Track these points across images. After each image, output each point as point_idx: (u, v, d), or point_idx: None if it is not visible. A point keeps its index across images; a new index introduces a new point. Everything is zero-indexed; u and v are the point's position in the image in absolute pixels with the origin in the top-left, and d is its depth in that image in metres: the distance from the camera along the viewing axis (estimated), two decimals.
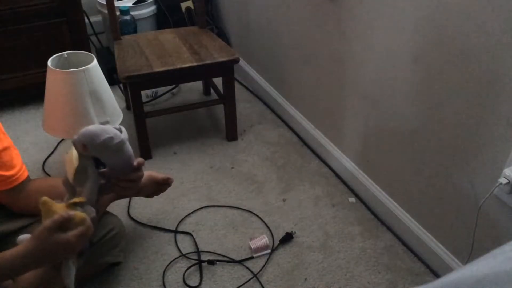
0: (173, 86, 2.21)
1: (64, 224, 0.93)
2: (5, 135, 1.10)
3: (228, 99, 1.83)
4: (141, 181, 1.24)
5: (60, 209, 0.97)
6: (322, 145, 1.79)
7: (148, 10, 2.33)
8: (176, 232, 1.49)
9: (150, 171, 1.35)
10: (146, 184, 1.29)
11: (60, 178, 1.09)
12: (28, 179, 1.16)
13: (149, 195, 1.38)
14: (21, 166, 1.13)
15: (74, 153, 1.06)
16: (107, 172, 1.11)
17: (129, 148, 1.09)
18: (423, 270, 1.37)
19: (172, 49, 1.80)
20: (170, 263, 1.38)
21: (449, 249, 1.31)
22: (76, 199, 1.01)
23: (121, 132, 1.07)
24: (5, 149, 1.08)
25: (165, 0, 2.38)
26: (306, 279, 1.34)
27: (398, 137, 1.39)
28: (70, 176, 1.06)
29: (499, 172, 1.07)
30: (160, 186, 1.36)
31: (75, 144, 1.04)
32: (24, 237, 1.01)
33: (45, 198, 0.96)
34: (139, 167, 1.14)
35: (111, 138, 1.03)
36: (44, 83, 1.45)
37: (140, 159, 1.14)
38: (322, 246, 1.44)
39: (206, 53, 1.76)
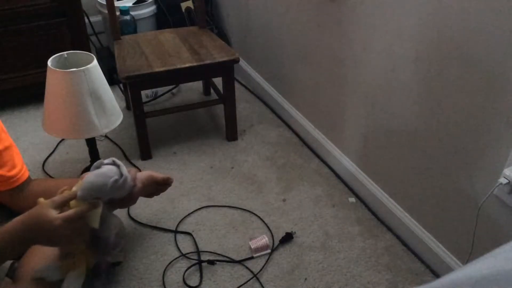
0: (173, 86, 2.21)
1: (60, 206, 0.95)
2: (6, 135, 1.10)
3: (228, 99, 1.83)
4: (141, 182, 1.25)
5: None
6: (322, 145, 1.79)
7: (148, 10, 2.33)
8: (176, 232, 1.49)
9: (150, 171, 1.35)
10: (146, 184, 1.29)
11: (61, 179, 1.10)
12: (29, 179, 1.16)
13: (149, 195, 1.38)
14: (22, 166, 1.13)
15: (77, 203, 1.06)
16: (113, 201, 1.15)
17: (128, 179, 1.13)
18: (423, 270, 1.37)
19: (172, 49, 1.80)
20: (170, 263, 1.38)
21: (449, 249, 1.31)
22: (68, 193, 1.02)
23: (117, 165, 1.10)
24: (6, 148, 1.08)
25: (165, 0, 2.38)
26: (306, 279, 1.34)
27: (398, 137, 1.39)
28: (95, 224, 1.06)
29: (499, 172, 1.07)
30: (160, 186, 1.36)
31: (85, 199, 1.04)
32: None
33: (41, 199, 0.97)
34: (134, 184, 1.18)
35: (116, 180, 1.08)
36: (44, 83, 1.45)
37: (133, 171, 1.19)
38: (322, 246, 1.44)
39: (206, 53, 1.76)
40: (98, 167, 1.12)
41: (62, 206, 0.96)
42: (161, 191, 1.39)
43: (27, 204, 1.15)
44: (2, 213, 1.18)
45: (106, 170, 1.09)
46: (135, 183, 1.21)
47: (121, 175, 1.09)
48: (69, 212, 0.95)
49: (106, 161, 1.13)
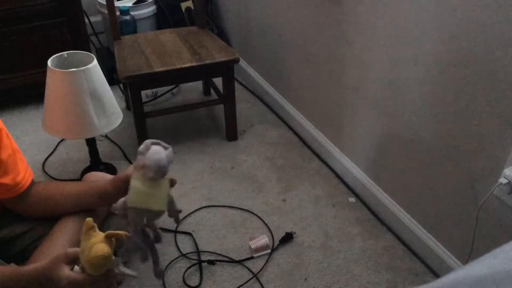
0: (173, 86, 2.21)
1: (74, 259, 0.93)
2: (10, 140, 1.09)
3: (228, 99, 1.83)
4: None
5: (99, 235, 0.94)
6: (322, 145, 1.79)
7: (148, 10, 2.33)
8: (176, 232, 1.49)
9: None
10: None
11: (66, 182, 1.10)
12: (32, 183, 1.15)
13: None
14: (25, 172, 1.12)
15: (143, 186, 1.06)
16: None
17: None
18: (423, 270, 1.37)
19: (172, 49, 1.80)
20: (170, 263, 1.38)
21: (449, 249, 1.31)
22: (120, 233, 0.96)
23: (157, 143, 1.11)
24: (10, 156, 1.07)
25: (165, 0, 2.38)
26: (306, 279, 1.34)
27: (398, 137, 1.39)
28: (160, 205, 1.06)
29: (499, 172, 1.07)
30: None
31: (159, 176, 1.05)
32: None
33: (89, 218, 0.94)
34: None
35: (170, 151, 1.09)
36: (44, 83, 1.45)
37: (172, 177, 1.20)
38: (322, 246, 1.44)
39: (206, 53, 1.76)
40: (148, 148, 1.13)
41: (75, 260, 0.95)
42: None
43: (32, 208, 1.15)
44: (6, 216, 1.18)
45: (157, 148, 1.10)
46: None
47: (167, 147, 1.11)
48: (78, 277, 0.93)
49: (146, 142, 1.13)
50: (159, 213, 1.10)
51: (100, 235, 0.94)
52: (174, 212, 1.16)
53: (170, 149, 1.10)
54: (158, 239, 1.15)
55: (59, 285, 0.92)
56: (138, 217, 1.09)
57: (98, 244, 0.92)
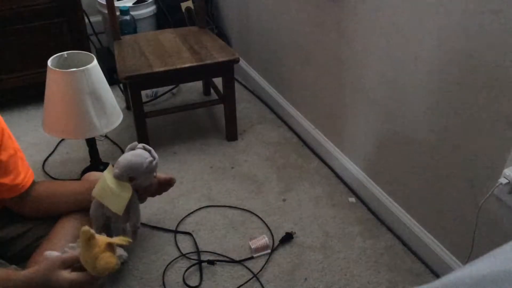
0: (173, 86, 2.21)
1: (71, 264, 0.93)
2: (12, 141, 1.10)
3: (228, 99, 1.83)
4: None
5: (100, 243, 0.93)
6: (322, 145, 1.79)
7: (148, 10, 2.33)
8: (176, 232, 1.49)
9: None
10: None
11: (66, 182, 1.10)
12: (33, 183, 1.15)
13: (152, 194, 1.38)
14: (26, 172, 1.12)
15: (109, 181, 1.06)
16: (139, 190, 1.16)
17: (158, 159, 1.15)
18: (423, 270, 1.37)
19: (172, 49, 1.80)
20: (170, 263, 1.38)
21: (449, 249, 1.31)
22: (121, 239, 0.96)
23: (148, 150, 1.10)
24: (11, 156, 1.07)
25: (165, 0, 2.38)
26: (306, 279, 1.34)
27: (397, 137, 1.39)
28: (116, 207, 1.06)
29: (499, 172, 1.07)
30: (162, 186, 1.36)
31: (121, 178, 1.05)
32: (50, 253, 0.98)
33: (86, 228, 0.92)
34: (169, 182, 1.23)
35: (151, 161, 1.08)
36: (44, 83, 1.45)
37: (171, 176, 1.21)
38: (322, 246, 1.44)
39: (206, 53, 1.76)
40: (133, 149, 1.13)
41: (72, 265, 0.95)
42: (163, 191, 1.39)
43: (33, 208, 1.15)
44: (5, 217, 1.18)
45: (141, 152, 1.09)
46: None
47: (154, 157, 1.10)
48: (80, 278, 0.93)
49: (138, 145, 1.14)
50: (115, 215, 1.09)
51: (102, 242, 0.93)
52: (133, 224, 1.15)
53: (152, 160, 1.09)
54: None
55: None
56: (96, 210, 1.09)
57: (103, 255, 0.91)
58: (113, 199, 1.07)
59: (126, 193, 1.08)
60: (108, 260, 0.92)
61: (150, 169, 1.09)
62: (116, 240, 0.96)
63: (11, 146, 1.08)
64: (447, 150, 1.22)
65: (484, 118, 1.09)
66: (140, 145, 1.13)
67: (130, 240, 0.97)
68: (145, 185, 1.16)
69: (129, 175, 1.06)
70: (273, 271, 1.37)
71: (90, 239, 0.91)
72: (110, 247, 0.94)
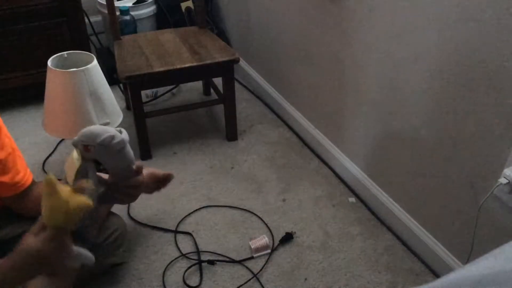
0: (173, 86, 2.21)
1: (38, 232, 0.91)
2: (9, 140, 1.10)
3: (228, 99, 1.83)
4: (143, 182, 1.24)
5: (64, 192, 0.90)
6: (322, 145, 1.79)
7: (148, 10, 2.33)
8: (176, 232, 1.49)
9: (152, 168, 1.35)
10: (147, 182, 1.29)
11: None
12: (33, 183, 1.15)
13: (149, 191, 1.38)
14: (25, 171, 1.12)
15: (74, 155, 1.05)
16: (109, 179, 1.11)
17: (130, 151, 1.09)
18: (423, 270, 1.37)
19: (172, 49, 1.80)
20: (170, 263, 1.38)
21: (449, 249, 1.31)
22: (84, 183, 0.94)
23: (121, 133, 1.07)
24: (9, 154, 1.07)
25: (165, 0, 2.38)
26: (306, 279, 1.34)
27: (397, 137, 1.39)
28: (70, 178, 1.04)
29: (499, 172, 1.07)
30: (160, 182, 1.36)
31: (76, 144, 1.03)
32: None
33: (50, 176, 0.88)
34: (138, 171, 1.14)
35: (112, 136, 1.03)
36: (44, 83, 1.45)
37: (139, 162, 1.14)
38: (322, 246, 1.44)
39: (206, 53, 1.76)
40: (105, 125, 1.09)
41: (40, 231, 0.93)
42: (162, 187, 1.39)
43: (32, 207, 1.15)
44: (5, 216, 1.18)
45: (108, 128, 1.05)
46: (142, 174, 1.19)
47: (120, 137, 1.05)
48: (44, 234, 0.92)
49: (115, 127, 1.10)
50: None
51: (67, 189, 0.90)
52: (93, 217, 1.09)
53: (113, 136, 1.02)
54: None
55: (36, 251, 0.90)
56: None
57: (73, 196, 0.89)
58: (70, 169, 1.05)
59: (78, 161, 1.05)
60: (79, 198, 0.90)
61: (110, 144, 1.03)
62: (83, 183, 0.94)
63: (9, 144, 1.08)
64: (447, 150, 1.22)
65: (484, 118, 1.09)
66: (119, 128, 1.10)
67: (94, 188, 0.96)
68: (114, 168, 1.10)
69: (83, 143, 1.02)
70: (273, 271, 1.37)
71: (55, 185, 0.88)
72: (80, 191, 0.92)
